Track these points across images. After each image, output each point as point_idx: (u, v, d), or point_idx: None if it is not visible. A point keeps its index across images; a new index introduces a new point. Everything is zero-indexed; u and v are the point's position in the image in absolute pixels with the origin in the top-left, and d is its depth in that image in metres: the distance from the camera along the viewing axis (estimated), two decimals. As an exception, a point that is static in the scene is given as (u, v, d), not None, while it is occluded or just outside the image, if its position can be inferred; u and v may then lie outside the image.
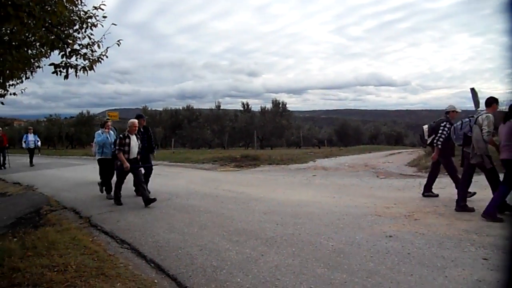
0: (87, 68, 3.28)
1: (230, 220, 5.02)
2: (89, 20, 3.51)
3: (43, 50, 3.28)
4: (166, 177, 9.45)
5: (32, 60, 3.76)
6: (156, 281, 3.16)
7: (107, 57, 3.44)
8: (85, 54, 3.25)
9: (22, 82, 4.26)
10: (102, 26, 3.56)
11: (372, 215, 4.99)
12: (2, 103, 3.93)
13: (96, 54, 3.41)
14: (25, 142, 13.69)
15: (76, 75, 3.25)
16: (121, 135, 6.03)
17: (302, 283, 2.95)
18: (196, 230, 4.60)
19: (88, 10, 3.50)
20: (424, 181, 6.29)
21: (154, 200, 5.90)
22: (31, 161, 13.77)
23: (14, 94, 4.07)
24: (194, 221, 5.02)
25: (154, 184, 8.06)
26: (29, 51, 3.37)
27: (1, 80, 3.47)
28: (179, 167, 12.17)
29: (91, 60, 3.35)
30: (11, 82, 4.06)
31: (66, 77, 3.18)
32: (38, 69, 4.28)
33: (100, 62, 3.45)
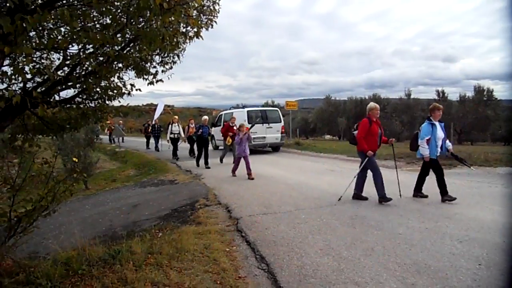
0: (192, 35, 2.43)
1: (407, 246, 3.52)
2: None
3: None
4: (339, 174, 8.10)
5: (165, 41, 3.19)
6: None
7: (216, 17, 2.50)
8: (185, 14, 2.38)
9: (171, 67, 3.90)
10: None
11: None
12: (140, 90, 3.65)
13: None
14: None
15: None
16: None
17: None
18: (358, 256, 3.35)
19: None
20: None
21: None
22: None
23: (161, 80, 3.75)
24: (358, 241, 3.72)
25: (323, 183, 7.12)
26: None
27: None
28: (357, 162, 10.35)
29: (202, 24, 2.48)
30: (160, 69, 3.74)
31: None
32: (181, 52, 3.82)
33: (212, 26, 2.55)
